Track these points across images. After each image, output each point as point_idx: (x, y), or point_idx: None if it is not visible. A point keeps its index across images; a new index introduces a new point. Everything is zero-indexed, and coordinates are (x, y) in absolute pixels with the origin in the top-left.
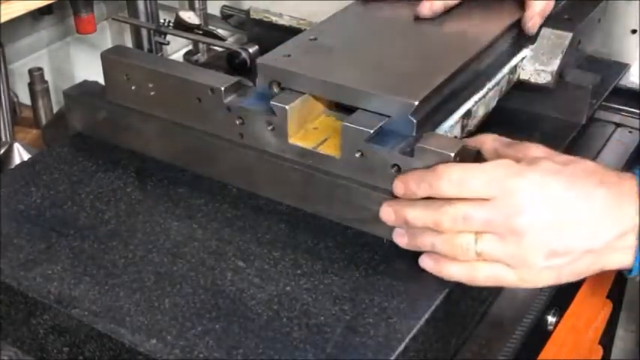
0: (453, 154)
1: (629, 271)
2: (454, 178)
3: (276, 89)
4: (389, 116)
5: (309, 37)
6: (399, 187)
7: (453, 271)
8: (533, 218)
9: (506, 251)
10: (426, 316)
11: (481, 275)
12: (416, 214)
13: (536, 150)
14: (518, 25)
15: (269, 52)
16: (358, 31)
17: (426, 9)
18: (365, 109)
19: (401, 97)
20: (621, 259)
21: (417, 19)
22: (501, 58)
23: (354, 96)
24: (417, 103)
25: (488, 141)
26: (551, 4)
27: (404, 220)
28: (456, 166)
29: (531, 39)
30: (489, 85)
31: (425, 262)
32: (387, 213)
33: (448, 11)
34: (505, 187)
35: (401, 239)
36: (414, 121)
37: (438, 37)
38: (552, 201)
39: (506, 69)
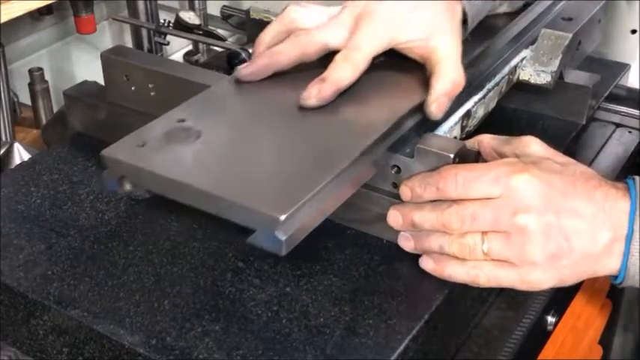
0: (452, 155)
1: (615, 277)
2: (460, 179)
3: (128, 186)
4: (254, 230)
5: (177, 117)
6: (405, 191)
7: (455, 272)
8: (538, 216)
9: (512, 250)
10: (426, 316)
11: (483, 276)
12: (423, 217)
13: (533, 145)
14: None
15: (121, 140)
16: (235, 111)
17: (312, 97)
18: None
19: (265, 209)
20: (611, 266)
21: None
22: (411, 138)
23: (210, 203)
24: (283, 217)
25: (484, 141)
26: (461, 84)
27: (411, 223)
28: (460, 167)
29: (532, 40)
30: (489, 85)
31: (426, 264)
32: (395, 217)
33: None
34: (510, 185)
35: (407, 243)
36: (282, 239)
37: (327, 124)
38: (556, 199)
39: (506, 69)
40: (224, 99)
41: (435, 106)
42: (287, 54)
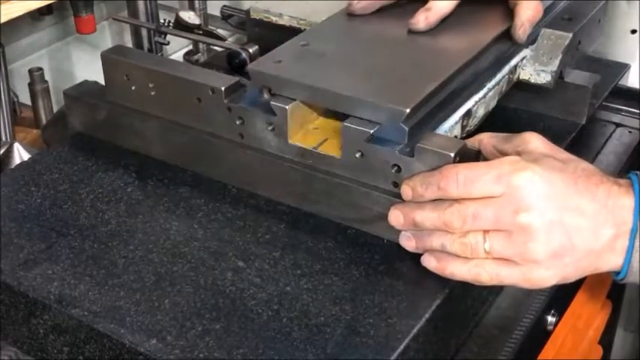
0: (453, 154)
1: (618, 273)
2: (461, 178)
3: (266, 95)
4: (380, 124)
5: (300, 42)
6: (406, 191)
7: (457, 270)
8: (540, 214)
9: (514, 249)
10: (426, 316)
11: (485, 274)
12: (425, 216)
13: (534, 141)
14: (508, 33)
15: (260, 58)
16: (350, 37)
17: (421, 22)
18: (356, 117)
19: (392, 104)
20: (614, 262)
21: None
22: (497, 62)
23: (344, 103)
24: (407, 110)
25: (484, 139)
26: (541, 11)
27: (413, 222)
28: (461, 166)
29: (532, 40)
30: (489, 85)
31: (427, 261)
32: (396, 216)
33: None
34: (512, 184)
35: (408, 242)
36: (406, 129)
37: (429, 45)
38: (558, 197)
39: (506, 69)
40: (339, 27)
41: (522, 30)
42: None
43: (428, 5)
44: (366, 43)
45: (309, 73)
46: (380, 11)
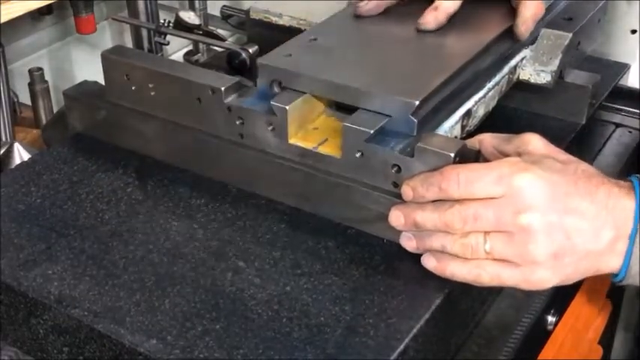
0: (453, 154)
1: (616, 275)
2: (462, 179)
3: (276, 89)
4: (390, 116)
5: (309, 37)
6: (407, 191)
7: (457, 270)
8: (541, 215)
9: (515, 250)
10: (426, 316)
11: (486, 275)
12: (425, 217)
13: (534, 142)
14: (510, 31)
15: (270, 52)
16: (358, 32)
17: (431, 22)
18: (366, 109)
19: (402, 96)
20: (613, 263)
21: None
22: (500, 60)
23: (354, 95)
24: (417, 102)
25: (485, 139)
26: (543, 9)
27: (414, 223)
28: (462, 166)
29: (531, 40)
30: (489, 85)
31: (427, 261)
32: (396, 217)
33: None
34: (512, 185)
35: (409, 243)
36: (415, 120)
37: (435, 43)
38: (558, 199)
39: (506, 69)
40: (347, 24)
41: (524, 27)
42: None
43: (435, 5)
44: (373, 40)
45: (319, 67)
46: (385, 11)
